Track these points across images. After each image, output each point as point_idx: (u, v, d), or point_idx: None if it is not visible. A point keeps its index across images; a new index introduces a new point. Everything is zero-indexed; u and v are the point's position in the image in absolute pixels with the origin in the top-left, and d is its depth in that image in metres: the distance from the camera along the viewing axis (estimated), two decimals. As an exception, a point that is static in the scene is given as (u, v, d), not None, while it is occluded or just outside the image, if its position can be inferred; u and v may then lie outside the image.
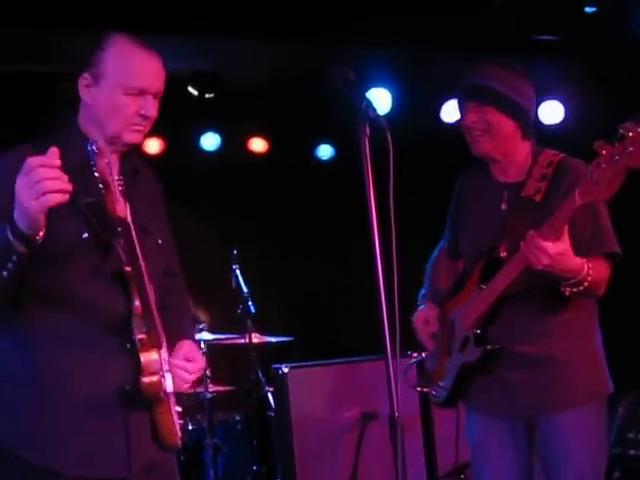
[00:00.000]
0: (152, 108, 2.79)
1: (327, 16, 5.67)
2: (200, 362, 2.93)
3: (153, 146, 7.03)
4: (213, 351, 5.89)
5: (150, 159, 6.86)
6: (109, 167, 2.43)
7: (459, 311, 3.43)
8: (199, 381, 5.60)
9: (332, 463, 5.03)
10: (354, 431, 4.79)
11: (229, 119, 7.06)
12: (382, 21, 5.71)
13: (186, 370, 2.87)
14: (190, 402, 5.85)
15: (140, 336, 2.65)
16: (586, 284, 3.12)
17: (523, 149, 3.44)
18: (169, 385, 2.72)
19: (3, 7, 5.03)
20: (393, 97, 6.54)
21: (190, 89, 6.48)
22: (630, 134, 2.76)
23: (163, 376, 2.68)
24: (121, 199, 2.46)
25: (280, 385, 5.24)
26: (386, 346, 2.51)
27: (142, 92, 2.77)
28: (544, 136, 6.80)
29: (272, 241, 7.47)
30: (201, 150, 7.23)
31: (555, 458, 3.31)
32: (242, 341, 5.82)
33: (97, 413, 2.67)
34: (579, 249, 3.13)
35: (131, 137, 2.80)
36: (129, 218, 2.46)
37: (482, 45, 5.99)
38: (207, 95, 6.51)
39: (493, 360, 3.33)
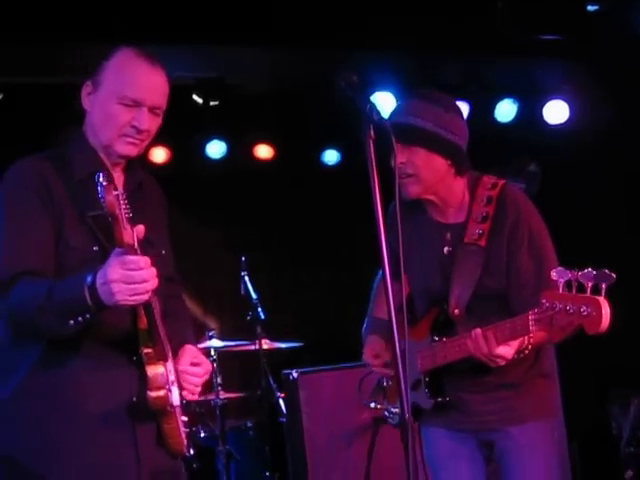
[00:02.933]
0: (145, 121, 2.76)
1: (330, 20, 5.66)
2: (207, 365, 2.95)
3: (159, 155, 7.03)
4: (224, 358, 5.89)
5: (156, 168, 6.88)
6: (117, 199, 2.42)
7: (413, 345, 3.27)
8: (209, 386, 5.61)
9: (345, 468, 5.03)
10: (366, 435, 4.78)
11: (234, 126, 7.05)
12: (385, 24, 5.70)
13: (195, 375, 2.89)
14: (201, 409, 5.87)
15: (146, 350, 2.68)
16: (527, 351, 3.10)
17: (458, 187, 3.28)
18: (175, 398, 2.74)
19: (15, 20, 5.07)
20: (397, 100, 6.52)
21: (195, 97, 6.48)
22: (588, 291, 2.67)
23: (170, 390, 2.70)
24: (128, 227, 2.45)
25: (291, 390, 5.24)
26: (395, 351, 2.50)
27: (137, 104, 2.75)
28: (548, 136, 6.87)
29: (280, 247, 7.47)
30: (207, 158, 7.22)
31: (512, 471, 3.29)
32: (252, 347, 5.81)
33: (107, 425, 2.69)
34: (520, 289, 3.12)
35: (122, 148, 2.80)
36: (136, 245, 2.46)
37: (485, 46, 5.99)
38: (212, 102, 6.50)
39: (444, 407, 3.30)
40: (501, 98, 6.83)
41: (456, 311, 3.23)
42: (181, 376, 2.85)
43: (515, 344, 3.00)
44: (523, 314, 2.90)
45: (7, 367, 2.72)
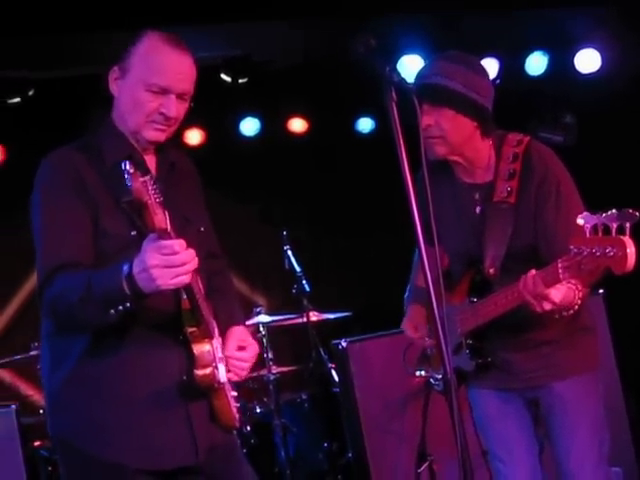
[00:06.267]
0: (173, 108, 2.77)
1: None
2: (253, 348, 2.98)
3: (194, 137, 7.07)
4: (273, 333, 5.92)
5: (192, 150, 6.92)
6: (145, 186, 2.40)
7: (452, 309, 3.27)
8: (261, 362, 5.64)
9: (400, 433, 5.04)
10: (419, 399, 4.76)
11: (266, 102, 7.05)
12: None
13: (241, 360, 2.92)
14: (255, 385, 5.92)
15: (191, 330, 2.71)
16: (576, 307, 3.08)
17: (484, 148, 3.27)
18: (222, 375, 2.77)
19: (39, 14, 5.10)
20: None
21: (223, 76, 6.48)
22: (613, 232, 2.65)
23: (216, 367, 2.74)
24: (159, 211, 2.44)
25: (341, 360, 5.25)
26: (434, 314, 2.50)
27: (164, 91, 2.75)
28: (581, 86, 6.77)
29: (320, 218, 7.47)
30: (242, 136, 7.25)
31: (560, 426, 3.29)
32: (301, 320, 5.84)
33: (159, 406, 2.73)
34: (549, 243, 3.10)
35: (151, 135, 2.80)
36: (169, 227, 2.47)
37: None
38: (240, 80, 6.49)
39: (487, 368, 3.31)
40: (531, 51, 6.75)
41: (491, 270, 3.23)
42: (228, 361, 2.88)
43: (563, 289, 2.97)
44: (552, 263, 2.89)
45: (56, 357, 2.77)
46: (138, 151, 2.85)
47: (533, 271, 2.97)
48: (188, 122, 6.71)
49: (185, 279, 2.50)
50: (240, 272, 7.54)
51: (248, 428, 5.65)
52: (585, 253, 2.74)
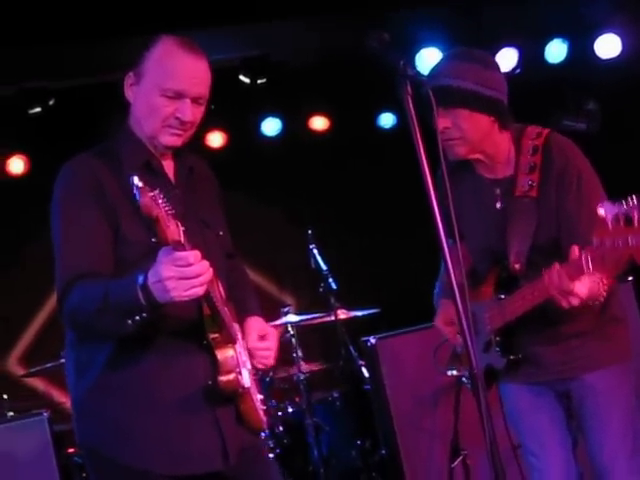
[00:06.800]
0: (189, 112, 2.75)
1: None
2: (274, 335, 2.97)
3: (216, 140, 7.08)
4: (303, 332, 5.90)
5: (214, 153, 6.93)
6: (154, 200, 2.37)
7: (479, 308, 3.27)
8: (291, 363, 5.64)
9: (432, 429, 5.02)
10: (450, 395, 4.75)
11: (286, 102, 7.05)
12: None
13: (265, 349, 2.92)
14: (286, 385, 5.91)
15: (213, 335, 2.71)
16: (602, 299, 3.03)
17: (504, 141, 3.24)
18: (246, 379, 2.77)
19: (56, 24, 5.13)
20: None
21: (242, 77, 6.48)
22: (635, 222, 2.62)
23: (240, 372, 2.74)
24: (172, 222, 2.42)
25: (371, 357, 5.24)
26: (458, 309, 2.47)
27: (180, 95, 2.74)
28: (602, 72, 6.71)
29: (344, 215, 7.47)
30: (263, 136, 7.25)
31: (591, 418, 3.25)
32: (329, 319, 5.82)
33: (186, 412, 2.72)
34: (572, 235, 3.04)
35: (167, 140, 2.79)
36: (182, 239, 2.45)
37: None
38: (259, 81, 6.49)
39: (518, 364, 3.28)
40: (550, 39, 6.70)
41: (517, 266, 3.19)
42: (252, 353, 2.89)
43: (587, 283, 2.94)
44: (577, 256, 2.85)
45: (81, 366, 2.77)
46: (156, 156, 2.84)
47: (557, 265, 2.93)
48: (209, 125, 6.76)
49: (199, 290, 2.50)
50: (268, 273, 7.56)
51: (280, 428, 5.65)
52: (607, 245, 2.70)
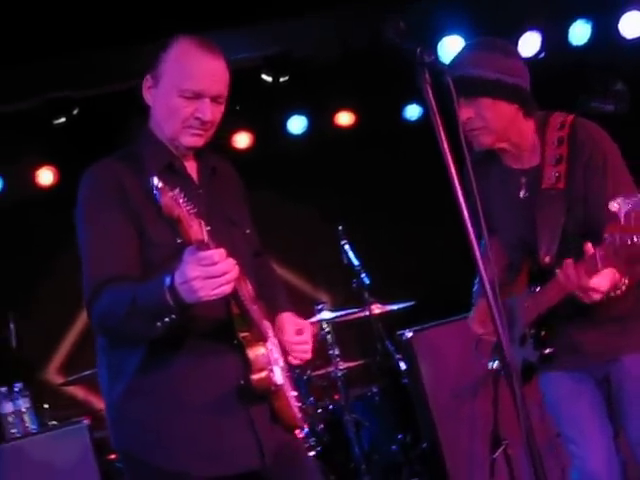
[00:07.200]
0: (208, 112, 2.74)
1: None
2: (309, 328, 2.95)
3: (242, 140, 7.07)
4: (339, 329, 5.90)
5: (241, 153, 6.93)
6: (175, 200, 2.36)
7: (514, 301, 3.28)
8: (328, 360, 5.63)
9: (471, 420, 4.99)
10: (488, 384, 4.70)
11: (311, 99, 7.03)
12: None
13: (302, 343, 2.91)
14: (324, 383, 5.90)
15: (243, 334, 2.70)
16: (623, 287, 2.99)
17: (528, 129, 3.22)
18: (279, 377, 2.75)
19: (74, 34, 5.14)
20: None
21: (264, 76, 6.46)
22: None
23: (272, 370, 2.72)
24: (194, 222, 2.41)
25: (407, 350, 5.22)
26: (489, 299, 2.44)
27: (198, 95, 2.73)
28: (628, 52, 6.62)
29: (375, 209, 7.43)
30: (289, 134, 7.23)
31: (630, 402, 3.21)
32: (364, 314, 5.80)
33: (220, 412, 2.71)
34: (600, 222, 2.95)
35: (188, 140, 2.78)
36: (206, 238, 2.44)
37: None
38: (282, 79, 6.47)
39: (552, 358, 3.24)
40: (573, 20, 6.62)
41: (547, 259, 3.16)
42: (289, 347, 2.88)
43: (608, 275, 2.89)
44: (591, 252, 2.82)
45: (113, 371, 2.78)
46: (178, 158, 2.84)
47: (570, 262, 2.90)
48: (235, 126, 6.74)
49: (227, 289, 2.49)
50: (301, 271, 7.55)
51: (321, 426, 5.64)
52: (618, 241, 2.66)
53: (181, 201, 2.37)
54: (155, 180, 2.35)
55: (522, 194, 3.26)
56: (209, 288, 2.45)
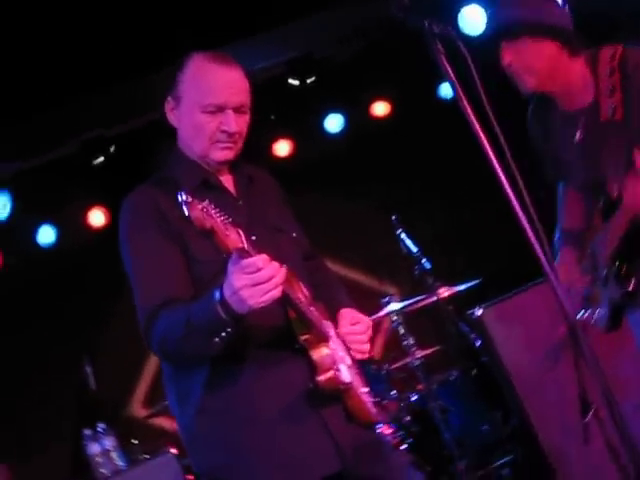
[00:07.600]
0: (233, 123, 2.74)
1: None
2: (366, 320, 2.91)
3: (283, 148, 7.05)
4: (409, 319, 5.84)
5: (283, 161, 6.92)
6: (205, 211, 2.35)
7: (596, 242, 3.26)
8: (404, 351, 5.58)
9: (557, 387, 4.88)
10: (567, 348, 4.60)
11: (343, 95, 7.02)
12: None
13: (356, 333, 2.86)
14: (403, 374, 5.85)
15: (304, 337, 2.68)
16: None
17: (577, 68, 3.18)
18: (346, 376, 2.71)
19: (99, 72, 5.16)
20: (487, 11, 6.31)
21: (290, 80, 6.42)
22: None
23: (338, 369, 2.68)
24: (231, 231, 2.39)
25: (479, 328, 5.15)
26: (542, 260, 2.40)
27: (220, 108, 2.73)
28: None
29: (426, 194, 7.39)
30: (328, 134, 7.21)
31: None
32: (432, 299, 5.73)
33: (293, 420, 2.69)
34: None
35: (219, 155, 2.79)
36: (246, 245, 2.42)
37: None
38: (308, 80, 6.44)
39: (637, 294, 3.16)
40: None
41: (616, 192, 3.12)
42: (346, 339, 2.84)
43: None
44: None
45: (181, 395, 2.77)
46: (212, 173, 2.84)
47: (630, 180, 2.89)
48: (273, 135, 6.69)
49: (275, 293, 2.47)
50: (364, 268, 7.52)
51: (407, 418, 5.59)
52: None
53: (213, 212, 2.36)
54: (183, 195, 2.34)
55: (579, 135, 3.22)
56: (258, 295, 2.43)
